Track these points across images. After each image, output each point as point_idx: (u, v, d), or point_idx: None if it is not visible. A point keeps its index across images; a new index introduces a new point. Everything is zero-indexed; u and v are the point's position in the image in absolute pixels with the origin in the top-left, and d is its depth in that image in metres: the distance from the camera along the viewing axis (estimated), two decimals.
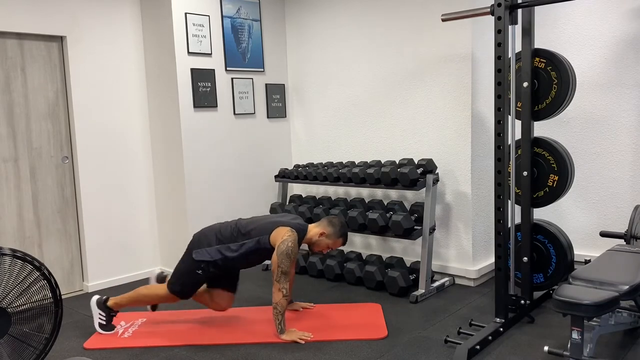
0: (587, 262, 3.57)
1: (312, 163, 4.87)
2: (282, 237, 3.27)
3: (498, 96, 3.23)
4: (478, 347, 3.01)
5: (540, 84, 3.48)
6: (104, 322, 3.51)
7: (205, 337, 3.40)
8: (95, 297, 3.56)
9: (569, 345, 2.59)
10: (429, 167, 4.04)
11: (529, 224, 3.58)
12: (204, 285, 3.60)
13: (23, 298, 2.61)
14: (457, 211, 4.21)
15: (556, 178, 3.50)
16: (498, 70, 3.21)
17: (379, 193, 4.69)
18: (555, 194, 3.53)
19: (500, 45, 3.20)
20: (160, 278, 3.79)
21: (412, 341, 3.22)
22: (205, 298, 3.61)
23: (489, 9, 3.31)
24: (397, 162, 4.27)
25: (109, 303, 3.52)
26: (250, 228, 3.39)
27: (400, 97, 4.45)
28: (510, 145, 3.42)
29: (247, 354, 3.14)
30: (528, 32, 3.45)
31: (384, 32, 4.49)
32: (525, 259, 3.58)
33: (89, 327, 3.65)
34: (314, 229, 3.48)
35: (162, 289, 3.48)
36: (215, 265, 3.38)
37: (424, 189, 4.02)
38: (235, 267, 3.48)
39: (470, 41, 4.00)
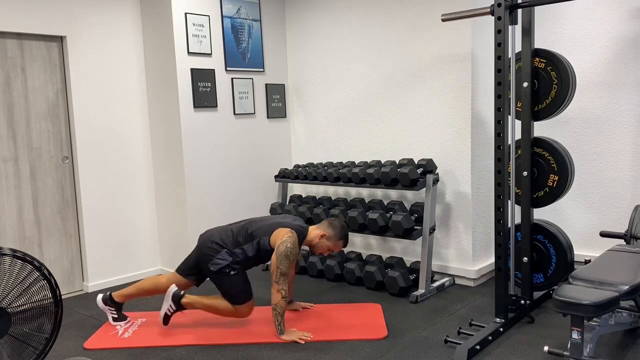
0: (587, 262, 3.57)
1: (312, 163, 4.87)
2: (282, 238, 3.27)
3: (498, 96, 3.23)
4: (478, 347, 3.01)
5: (540, 84, 3.49)
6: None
7: (205, 337, 3.40)
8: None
9: (569, 345, 2.59)
10: (429, 167, 4.04)
11: (529, 224, 3.58)
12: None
13: (23, 298, 2.61)
14: (457, 211, 4.21)
15: (556, 178, 3.50)
16: (498, 70, 3.22)
17: (379, 193, 4.69)
18: (555, 194, 3.53)
19: (500, 45, 3.20)
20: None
21: (412, 341, 3.22)
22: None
23: (489, 9, 3.31)
24: (397, 162, 4.27)
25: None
26: (250, 230, 3.41)
27: (401, 97, 4.45)
28: (510, 145, 3.42)
29: (247, 354, 3.14)
30: (528, 32, 3.45)
31: (384, 32, 4.49)
32: (525, 259, 3.59)
33: (89, 327, 3.65)
34: (314, 231, 3.48)
35: (228, 306, 3.44)
36: (236, 263, 3.40)
37: (424, 189, 4.02)
38: (245, 268, 3.51)
39: (470, 41, 4.00)
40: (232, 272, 3.38)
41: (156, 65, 4.62)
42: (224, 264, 3.36)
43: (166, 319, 3.52)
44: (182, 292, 3.50)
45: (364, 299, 3.99)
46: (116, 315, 3.64)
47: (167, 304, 3.49)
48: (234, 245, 3.39)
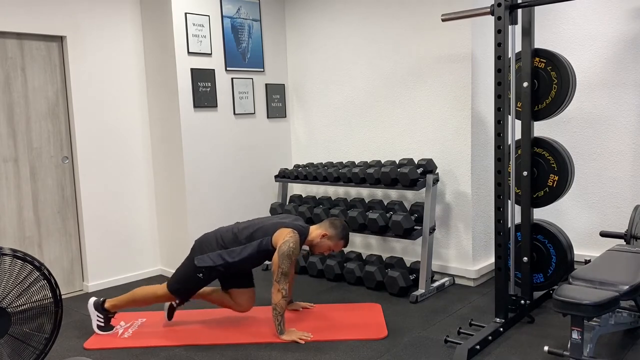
0: (587, 262, 3.57)
1: (312, 163, 4.87)
2: (284, 238, 3.27)
3: (498, 96, 3.23)
4: (478, 347, 3.01)
5: (540, 84, 3.49)
6: (102, 324, 3.51)
7: (205, 337, 3.40)
8: (92, 299, 3.55)
9: (569, 345, 2.59)
10: (429, 167, 4.04)
11: (529, 224, 3.58)
12: (220, 290, 3.60)
13: (23, 298, 2.61)
14: (457, 211, 4.21)
15: (556, 178, 3.50)
16: (498, 70, 3.22)
17: (379, 193, 4.69)
18: (555, 194, 3.53)
19: (500, 45, 3.20)
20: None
21: (412, 341, 3.22)
22: (227, 301, 3.57)
23: (489, 9, 3.31)
24: (397, 162, 4.28)
25: (106, 305, 3.51)
26: (252, 230, 3.40)
27: (401, 97, 4.45)
28: (510, 145, 3.42)
29: (247, 354, 3.14)
30: (528, 32, 3.45)
31: (384, 32, 4.49)
32: (525, 259, 3.59)
33: (89, 327, 3.65)
34: (315, 231, 3.48)
35: (161, 288, 3.47)
36: (217, 271, 3.39)
37: (424, 189, 4.02)
38: (238, 270, 3.48)
39: (470, 41, 4.00)
40: (201, 276, 3.38)
41: (156, 65, 4.63)
42: (207, 265, 3.35)
43: (102, 329, 3.49)
44: (102, 299, 3.53)
45: (364, 299, 3.99)
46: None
47: (93, 316, 3.50)
48: (233, 244, 3.38)
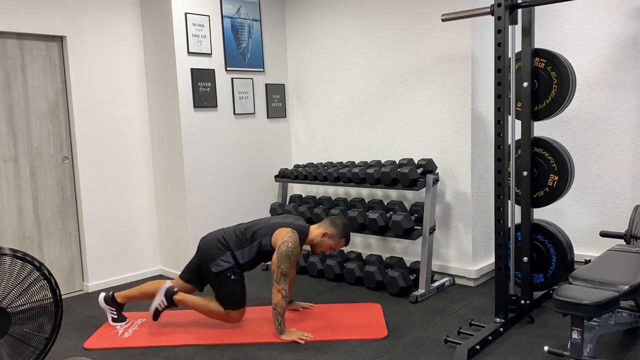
0: (587, 262, 3.57)
1: (312, 163, 4.87)
2: (283, 238, 3.28)
3: (498, 96, 3.23)
4: (478, 347, 3.01)
5: (540, 84, 3.49)
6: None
7: (205, 337, 3.40)
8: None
9: (569, 345, 2.59)
10: (429, 167, 4.04)
11: (529, 224, 3.58)
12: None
13: (23, 298, 2.61)
14: (457, 211, 4.21)
15: (556, 178, 3.50)
16: (498, 70, 3.22)
17: (379, 193, 4.69)
18: (555, 194, 3.53)
19: (500, 45, 3.20)
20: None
21: (412, 341, 3.22)
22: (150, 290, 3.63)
23: (489, 9, 3.31)
24: (397, 162, 4.28)
25: (176, 297, 3.49)
26: (252, 231, 3.42)
27: (401, 97, 4.45)
28: (510, 145, 3.42)
29: (247, 354, 3.14)
30: (528, 32, 3.45)
31: (384, 32, 4.49)
32: (525, 259, 3.59)
33: (89, 327, 3.65)
34: (316, 230, 3.48)
35: (220, 309, 3.44)
36: (238, 267, 3.40)
37: (424, 189, 4.02)
38: (247, 270, 3.50)
39: (470, 41, 4.00)
40: (232, 277, 3.38)
41: (156, 65, 4.62)
42: (227, 267, 3.36)
43: (156, 314, 3.51)
44: (176, 289, 3.50)
45: (364, 299, 3.99)
46: (116, 316, 3.64)
47: (159, 299, 3.48)
48: (238, 247, 3.40)
